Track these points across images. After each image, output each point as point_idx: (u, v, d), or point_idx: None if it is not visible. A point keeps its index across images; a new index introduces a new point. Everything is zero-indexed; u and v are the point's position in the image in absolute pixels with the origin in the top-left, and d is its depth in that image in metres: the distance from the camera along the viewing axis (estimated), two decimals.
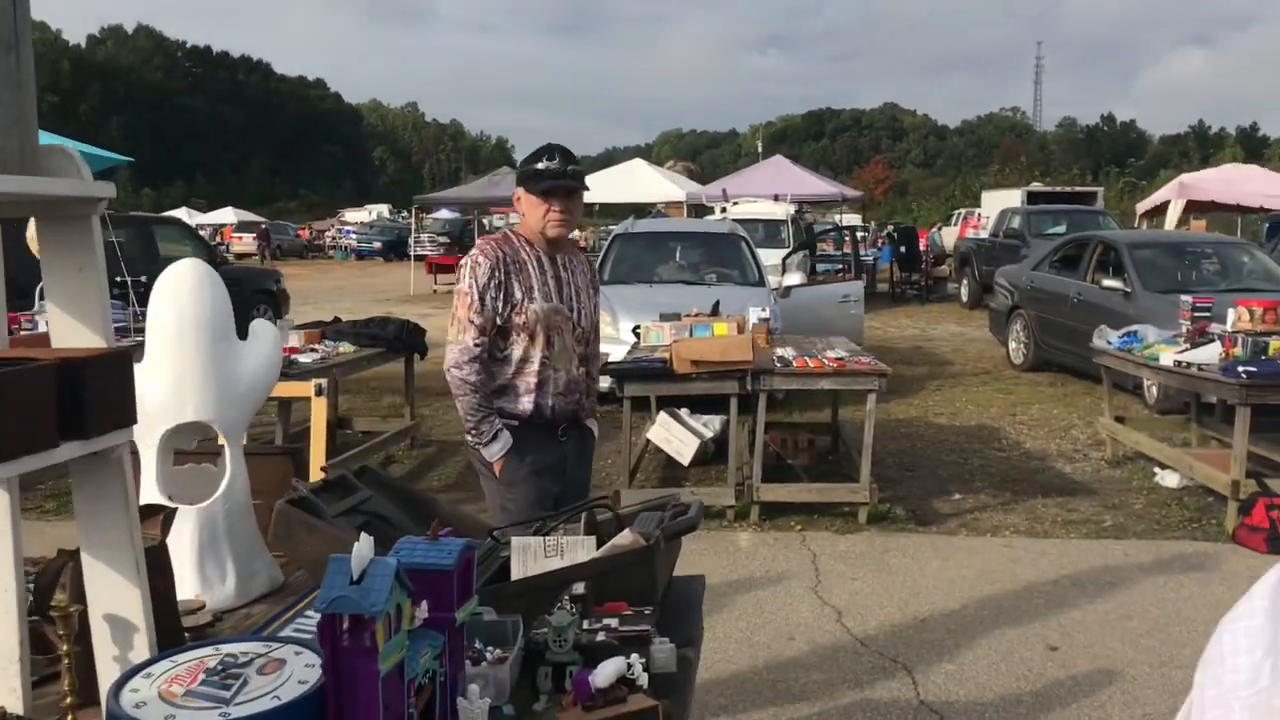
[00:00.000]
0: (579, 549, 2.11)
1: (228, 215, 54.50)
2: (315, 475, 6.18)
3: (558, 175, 3.33)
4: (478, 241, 3.32)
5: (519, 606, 1.98)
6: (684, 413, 7.93)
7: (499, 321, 3.33)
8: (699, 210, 22.06)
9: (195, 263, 2.15)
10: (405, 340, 7.90)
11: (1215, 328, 7.34)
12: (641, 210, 24.00)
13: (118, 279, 8.07)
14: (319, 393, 6.11)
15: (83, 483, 1.57)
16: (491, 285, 3.30)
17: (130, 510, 1.58)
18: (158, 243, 12.85)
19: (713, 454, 7.72)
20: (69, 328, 1.57)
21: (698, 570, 3.07)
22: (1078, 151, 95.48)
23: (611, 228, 15.93)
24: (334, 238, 51.86)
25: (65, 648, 1.58)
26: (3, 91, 1.37)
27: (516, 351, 3.38)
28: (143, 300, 9.07)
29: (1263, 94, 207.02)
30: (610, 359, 8.26)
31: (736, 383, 6.18)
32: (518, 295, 3.34)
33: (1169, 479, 7.26)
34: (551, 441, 3.46)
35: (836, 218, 25.89)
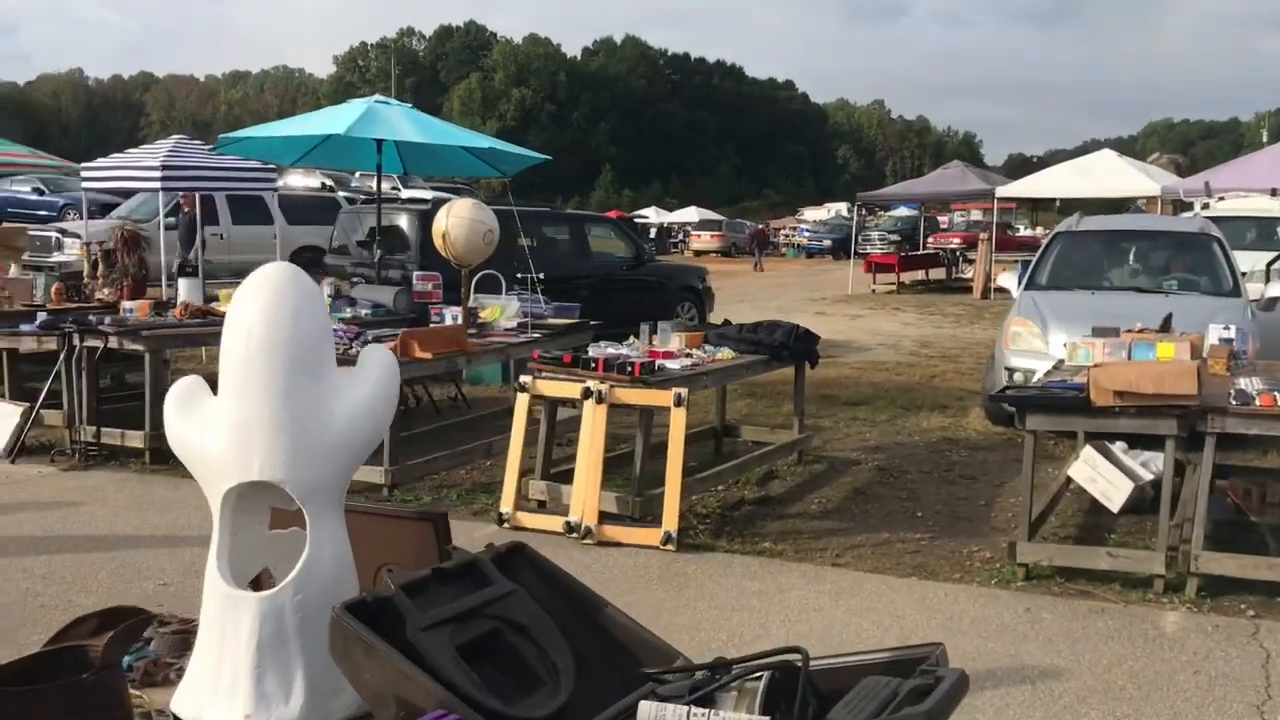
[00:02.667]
0: None
1: (691, 214, 56.83)
2: (670, 516, 5.71)
3: None
4: None
5: None
6: (1118, 447, 6.61)
7: None
8: (1178, 207, 19.47)
9: (281, 268, 1.64)
10: (793, 348, 7.26)
11: None
12: (1120, 206, 21.65)
13: (518, 275, 8.12)
14: (678, 403, 5.63)
15: None
16: None
17: None
18: (589, 240, 13.18)
19: (1151, 500, 6.35)
20: None
21: (1118, 653, 2.15)
22: None
23: None
24: (787, 235, 52.37)
25: None
26: None
27: None
28: (558, 295, 9.10)
29: None
30: (1033, 379, 7.13)
31: (1175, 421, 4.91)
32: None
33: None
34: None
35: None
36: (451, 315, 7.82)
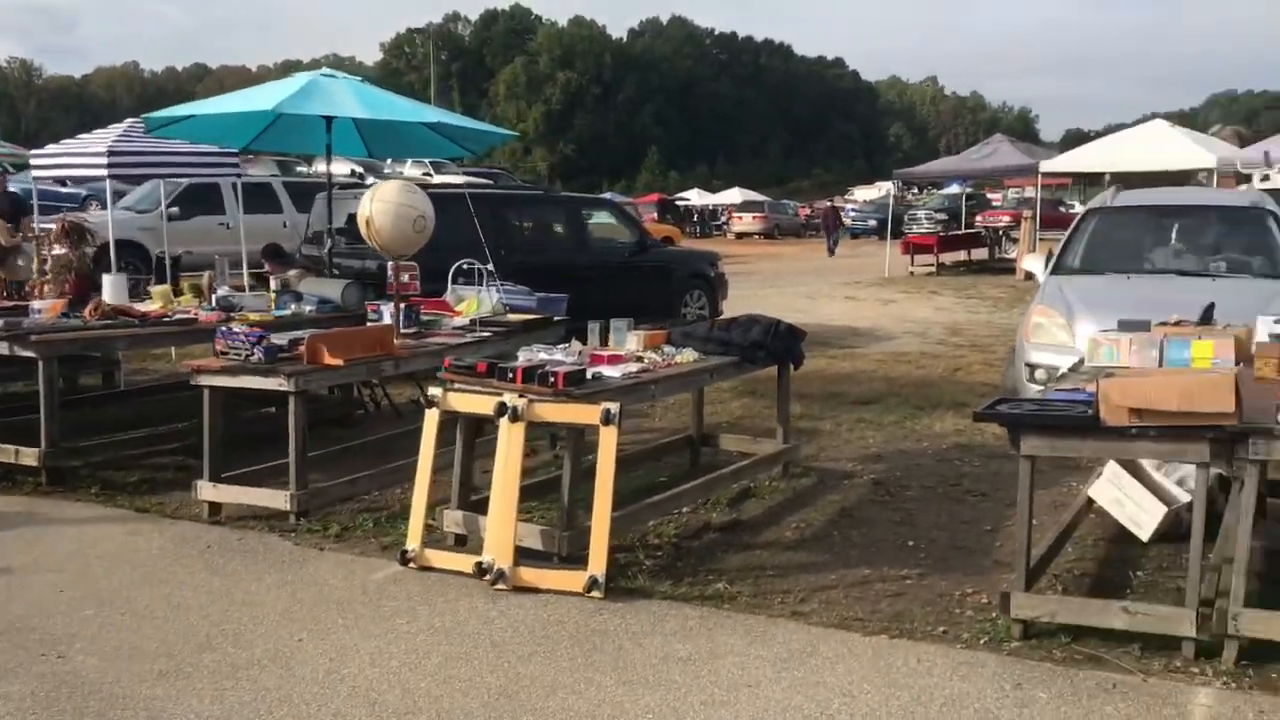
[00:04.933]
0: None
1: (734, 195, 55.59)
2: (597, 557, 4.81)
3: None
4: None
5: None
6: (1148, 463, 5.58)
7: None
8: (1241, 181, 18.14)
9: None
10: (770, 347, 6.30)
11: None
12: (1180, 179, 20.32)
13: (462, 264, 7.24)
14: (607, 421, 4.71)
15: None
16: None
17: None
18: (587, 225, 12.26)
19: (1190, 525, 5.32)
20: None
21: None
22: None
23: None
24: None
25: None
26: None
27: None
28: (549, 285, 8.18)
29: None
30: (1040, 387, 6.15)
31: (1207, 446, 3.90)
32: None
33: None
34: None
35: None
36: (392, 312, 6.96)
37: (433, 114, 8.40)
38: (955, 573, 5.07)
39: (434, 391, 5.13)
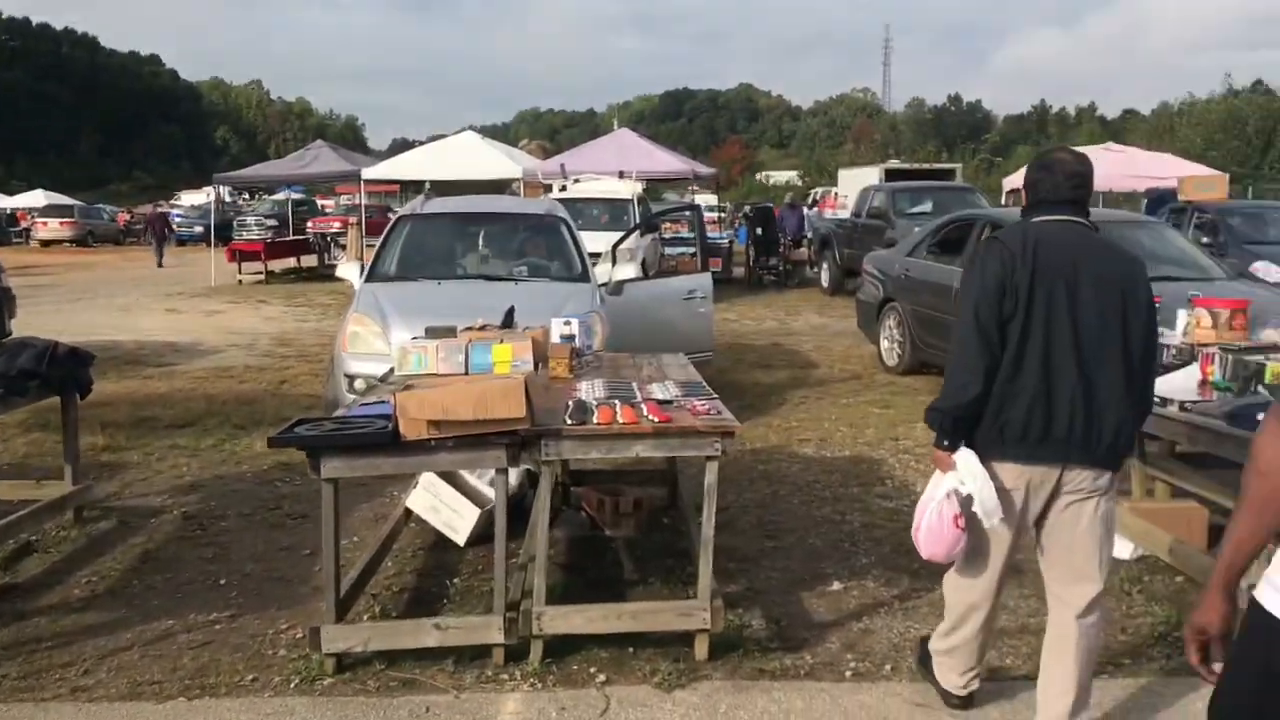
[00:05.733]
0: None
1: (37, 198, 49.50)
2: None
3: None
4: None
5: None
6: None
7: None
8: (547, 190, 19.84)
9: None
10: (45, 375, 5.41)
11: (1165, 334, 5.70)
12: (500, 188, 21.63)
13: None
14: None
15: None
16: None
17: None
18: None
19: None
20: None
21: None
22: (925, 131, 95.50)
23: None
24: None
25: None
26: None
27: None
28: None
29: (1100, 74, 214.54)
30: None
31: (503, 452, 3.92)
32: None
33: (1119, 548, 5.31)
34: None
35: (690, 197, 23.92)
36: None
37: None
38: (270, 608, 4.69)
39: None
